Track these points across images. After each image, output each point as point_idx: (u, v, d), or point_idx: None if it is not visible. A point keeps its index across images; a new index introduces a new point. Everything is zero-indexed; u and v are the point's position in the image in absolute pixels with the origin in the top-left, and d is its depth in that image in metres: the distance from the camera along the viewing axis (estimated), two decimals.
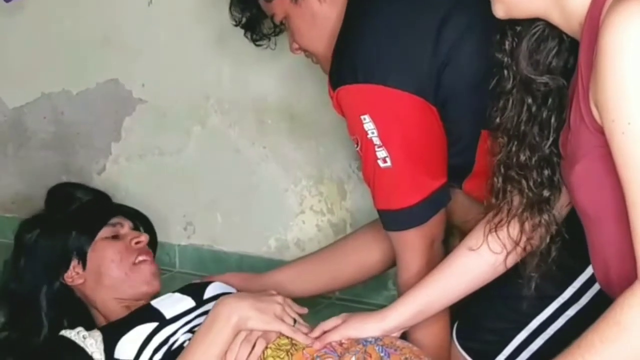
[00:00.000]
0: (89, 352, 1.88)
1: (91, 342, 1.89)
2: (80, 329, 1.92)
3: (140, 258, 2.06)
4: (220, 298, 1.82)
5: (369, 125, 1.90)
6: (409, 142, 1.92)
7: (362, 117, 1.90)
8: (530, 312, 1.85)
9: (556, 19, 1.48)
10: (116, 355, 1.88)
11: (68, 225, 2.08)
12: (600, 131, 1.39)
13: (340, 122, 2.62)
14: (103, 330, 1.95)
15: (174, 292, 2.03)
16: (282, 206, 2.79)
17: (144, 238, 2.10)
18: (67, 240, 2.07)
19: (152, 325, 1.90)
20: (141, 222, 2.19)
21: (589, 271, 1.80)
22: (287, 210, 2.79)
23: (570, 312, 1.84)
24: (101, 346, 1.89)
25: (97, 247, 2.06)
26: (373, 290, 2.61)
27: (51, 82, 3.02)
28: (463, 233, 2.19)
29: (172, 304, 1.97)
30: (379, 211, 2.00)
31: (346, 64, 1.93)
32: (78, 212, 2.13)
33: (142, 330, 1.89)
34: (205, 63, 2.79)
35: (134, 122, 2.94)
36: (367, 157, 1.94)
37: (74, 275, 2.06)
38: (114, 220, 2.10)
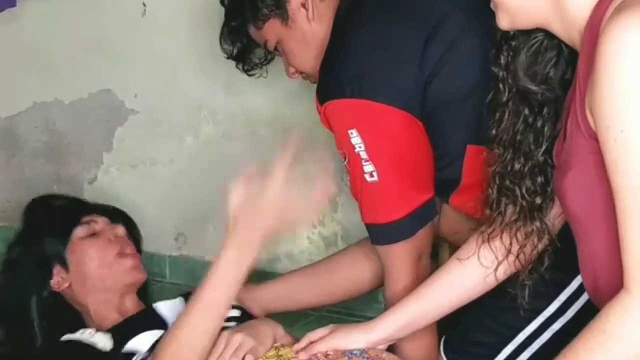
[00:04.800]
0: (100, 347, 1.87)
1: (101, 337, 1.90)
2: (82, 330, 1.92)
3: (117, 251, 2.05)
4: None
5: (356, 139, 1.91)
6: (395, 157, 1.93)
7: (349, 131, 1.91)
8: (517, 326, 1.85)
9: (557, 28, 1.49)
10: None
11: (41, 232, 2.08)
12: (595, 138, 1.39)
13: (332, 135, 2.63)
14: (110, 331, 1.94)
15: (176, 297, 2.03)
16: None
17: (120, 230, 2.08)
18: (43, 247, 2.06)
19: (158, 332, 1.89)
20: (119, 216, 2.18)
21: (574, 284, 1.81)
22: None
23: (556, 325, 1.84)
24: (109, 342, 1.89)
25: (74, 248, 2.05)
26: (363, 303, 2.60)
27: (43, 91, 3.02)
28: (452, 246, 2.20)
29: (176, 311, 1.96)
30: (366, 225, 2.01)
31: (333, 79, 1.95)
32: (49, 218, 2.12)
33: (148, 337, 1.89)
34: (199, 74, 2.79)
35: (126, 132, 2.94)
36: (354, 172, 1.95)
37: (59, 280, 2.05)
38: (86, 218, 2.08)
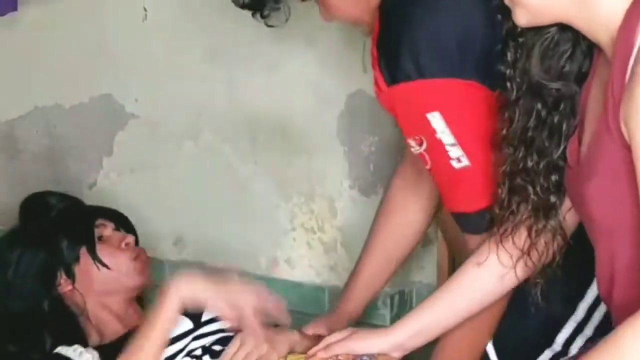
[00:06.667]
0: None
1: (88, 356, 1.89)
2: (76, 346, 1.91)
3: (134, 256, 2.07)
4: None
5: (438, 123, 1.70)
6: (481, 137, 1.72)
7: (427, 115, 1.70)
8: (551, 333, 1.80)
9: (580, 24, 1.43)
10: None
11: (55, 234, 2.08)
12: (628, 148, 1.35)
13: (332, 140, 2.64)
14: (100, 349, 1.94)
15: None
16: (273, 223, 2.79)
17: (130, 239, 2.11)
18: (57, 250, 2.06)
19: None
20: (121, 222, 2.19)
21: (589, 297, 1.77)
22: (277, 228, 2.78)
23: (587, 331, 1.78)
24: None
25: (83, 252, 2.06)
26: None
27: (44, 95, 3.02)
28: (448, 243, 2.16)
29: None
30: (460, 214, 1.80)
31: (408, 57, 1.69)
32: (61, 220, 2.12)
33: None
34: (199, 78, 2.79)
35: (126, 136, 2.94)
36: (437, 159, 1.74)
37: (62, 282, 2.05)
38: (98, 222, 2.11)
